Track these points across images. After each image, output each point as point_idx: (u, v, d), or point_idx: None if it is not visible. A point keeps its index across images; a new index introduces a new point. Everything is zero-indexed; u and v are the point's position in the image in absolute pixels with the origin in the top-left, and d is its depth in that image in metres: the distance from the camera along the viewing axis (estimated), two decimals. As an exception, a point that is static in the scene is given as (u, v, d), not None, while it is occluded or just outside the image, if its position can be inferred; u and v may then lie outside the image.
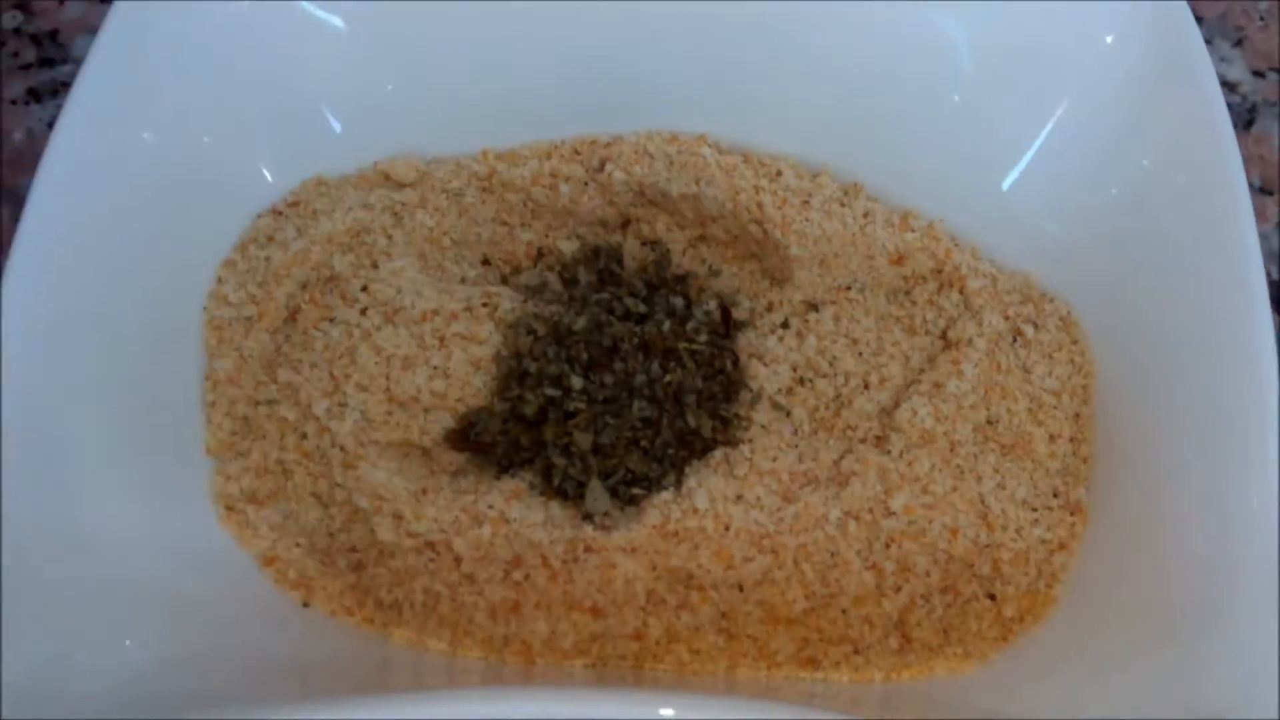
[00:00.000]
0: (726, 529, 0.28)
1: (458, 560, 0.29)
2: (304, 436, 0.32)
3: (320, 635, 0.28)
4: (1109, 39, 0.33)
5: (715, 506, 0.29)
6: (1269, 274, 0.40)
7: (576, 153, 0.37)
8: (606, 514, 0.30)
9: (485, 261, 0.36)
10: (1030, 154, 0.35)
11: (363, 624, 0.29)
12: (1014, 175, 0.36)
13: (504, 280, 0.36)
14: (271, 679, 0.25)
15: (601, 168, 0.36)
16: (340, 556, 0.30)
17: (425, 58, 0.36)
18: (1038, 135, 0.35)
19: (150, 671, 0.24)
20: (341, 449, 0.31)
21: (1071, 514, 0.31)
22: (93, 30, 0.32)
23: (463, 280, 0.35)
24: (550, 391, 0.31)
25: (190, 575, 0.28)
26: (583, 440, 0.31)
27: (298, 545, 0.30)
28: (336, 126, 0.36)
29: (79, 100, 0.30)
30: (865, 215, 0.36)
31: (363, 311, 0.33)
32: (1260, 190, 0.42)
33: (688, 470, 0.30)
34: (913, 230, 0.36)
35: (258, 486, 0.31)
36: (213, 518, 0.31)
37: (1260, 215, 0.41)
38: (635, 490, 0.30)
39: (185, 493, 0.31)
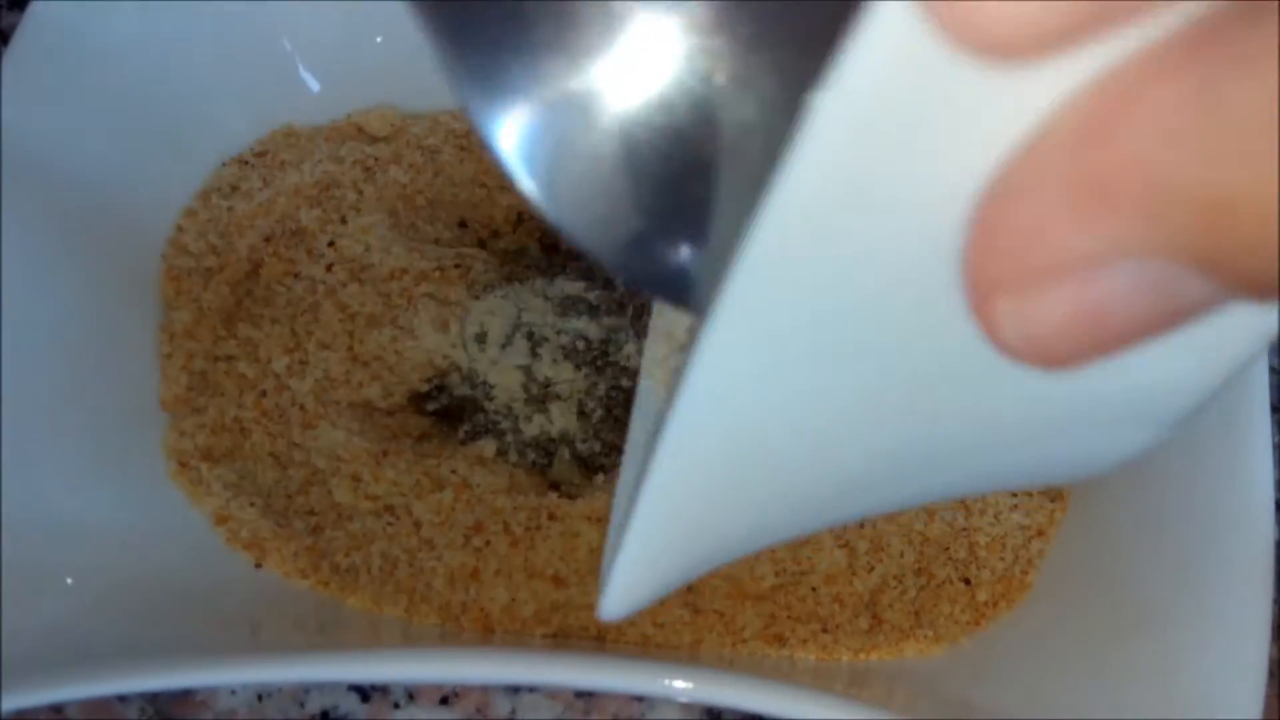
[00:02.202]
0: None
1: (417, 525, 0.30)
2: (263, 394, 0.32)
3: (273, 594, 0.29)
4: None
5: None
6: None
7: (559, 111, 0.37)
8: (574, 483, 0.30)
9: (462, 224, 0.37)
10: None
11: (317, 587, 0.30)
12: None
13: (481, 244, 0.37)
14: (219, 630, 0.26)
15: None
16: (297, 519, 0.31)
17: (405, 9, 0.37)
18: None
19: (90, 611, 0.25)
20: (301, 408, 0.32)
21: (1052, 501, 0.32)
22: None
23: (436, 241, 0.36)
24: (521, 361, 0.32)
25: (138, 527, 0.29)
26: (556, 412, 0.31)
27: (252, 505, 0.31)
28: (312, 81, 0.37)
29: (30, 30, 0.31)
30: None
31: (328, 267, 0.33)
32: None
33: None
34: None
35: (213, 444, 0.32)
36: (164, 473, 0.31)
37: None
38: (605, 460, 0.31)
39: (136, 445, 0.31)
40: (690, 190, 0.13)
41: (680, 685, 0.22)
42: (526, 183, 0.13)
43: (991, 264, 0.10)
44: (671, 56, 0.12)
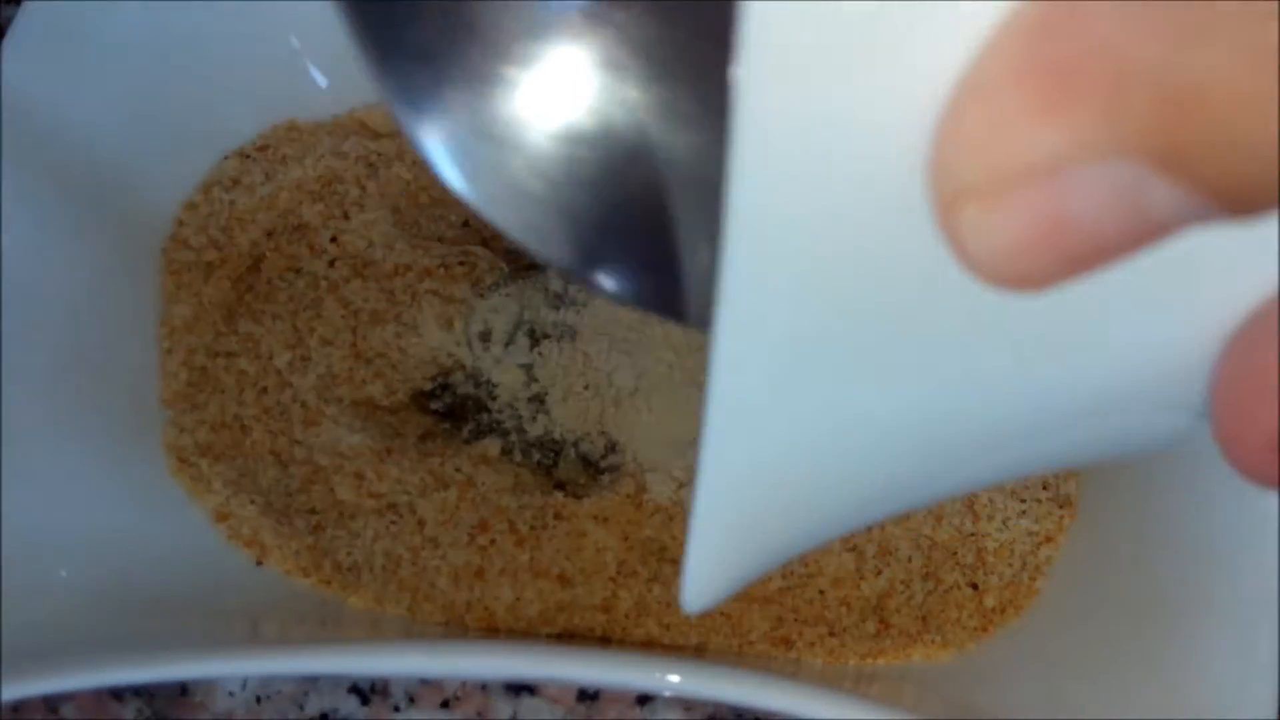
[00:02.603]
0: (704, 501, 0.29)
1: (421, 523, 0.29)
2: (264, 391, 0.32)
3: (273, 592, 0.29)
4: None
5: (693, 478, 0.30)
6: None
7: (566, 111, 0.37)
8: (579, 483, 0.30)
9: (465, 223, 0.37)
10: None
11: (319, 586, 0.30)
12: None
13: (484, 243, 0.37)
14: (218, 624, 0.26)
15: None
16: (298, 517, 0.31)
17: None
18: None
19: (88, 606, 0.25)
20: (303, 405, 0.32)
21: (1060, 507, 0.32)
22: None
23: (440, 239, 0.36)
24: (524, 360, 0.32)
25: (137, 523, 0.29)
26: (560, 411, 0.32)
27: (252, 502, 0.31)
28: (319, 77, 0.37)
29: (29, 21, 0.31)
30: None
31: (330, 263, 0.33)
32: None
33: (666, 441, 0.31)
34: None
35: (213, 440, 0.32)
36: (163, 469, 0.31)
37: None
38: (610, 459, 0.31)
39: (136, 441, 0.31)
40: (617, 187, 0.14)
41: (678, 680, 0.22)
42: (455, 180, 0.14)
43: (953, 170, 0.10)
44: (598, 62, 0.13)
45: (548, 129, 0.13)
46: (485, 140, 0.13)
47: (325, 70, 0.37)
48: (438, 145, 0.13)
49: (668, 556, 0.29)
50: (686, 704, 0.34)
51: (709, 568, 0.14)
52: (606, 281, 0.14)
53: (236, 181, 0.35)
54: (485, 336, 0.33)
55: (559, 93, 0.13)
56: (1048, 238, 0.09)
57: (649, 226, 0.13)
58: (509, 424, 0.32)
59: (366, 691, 0.34)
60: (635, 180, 0.13)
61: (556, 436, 0.31)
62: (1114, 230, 0.09)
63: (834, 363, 0.12)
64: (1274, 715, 0.25)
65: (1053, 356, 0.12)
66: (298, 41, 0.37)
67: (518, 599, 0.28)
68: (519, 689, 0.34)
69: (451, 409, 0.32)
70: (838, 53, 0.09)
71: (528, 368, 0.32)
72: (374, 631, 0.28)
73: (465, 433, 0.32)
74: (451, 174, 0.13)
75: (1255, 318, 0.11)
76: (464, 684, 0.34)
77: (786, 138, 0.10)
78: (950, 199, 0.10)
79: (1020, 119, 0.09)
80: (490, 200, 0.14)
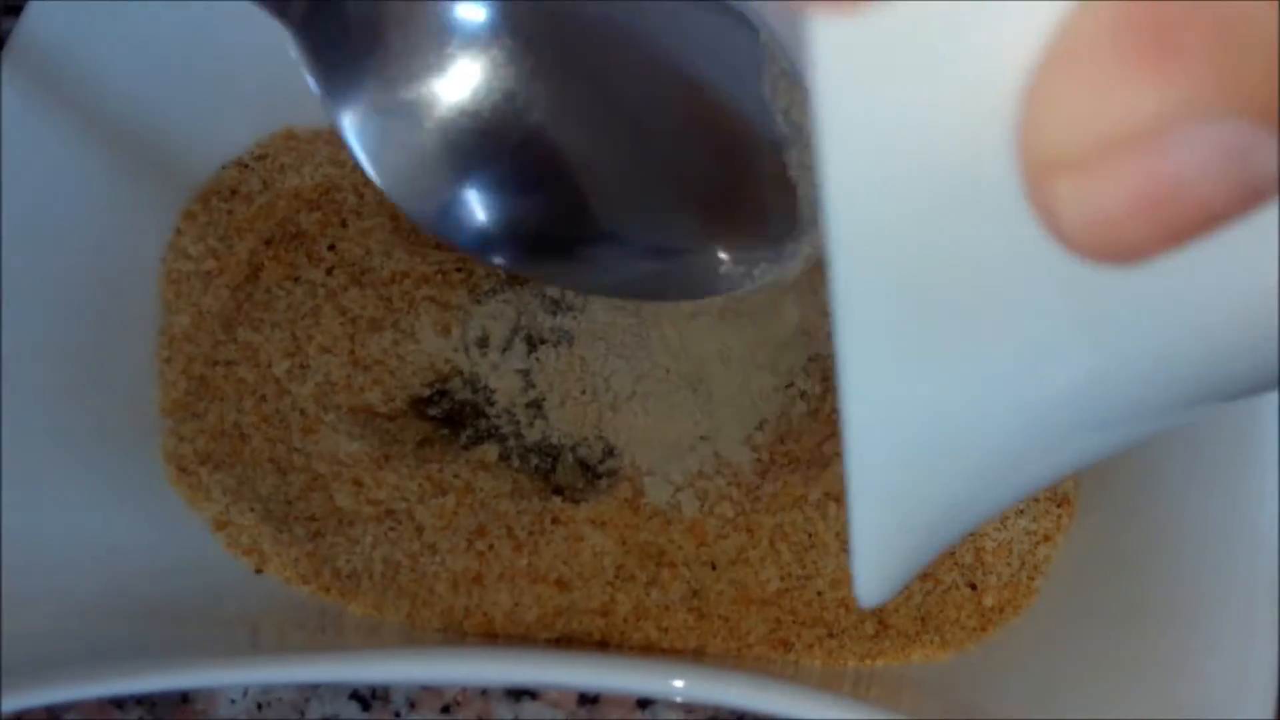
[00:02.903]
0: (701, 505, 0.30)
1: (419, 529, 0.30)
2: (263, 399, 0.32)
3: (273, 600, 0.29)
4: None
5: (691, 481, 0.30)
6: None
7: (561, 116, 0.38)
8: (577, 487, 0.31)
9: (461, 230, 0.37)
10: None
11: (318, 593, 0.30)
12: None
13: (481, 250, 0.37)
14: (218, 633, 0.26)
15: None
16: (298, 525, 0.31)
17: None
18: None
19: (87, 615, 0.25)
20: (301, 412, 0.32)
21: (1059, 506, 0.32)
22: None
23: (437, 246, 0.36)
24: (521, 365, 0.32)
25: (136, 532, 0.29)
26: (557, 416, 0.32)
27: (252, 510, 0.31)
28: (314, 85, 0.37)
29: (27, 32, 0.31)
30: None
31: (329, 271, 0.34)
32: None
33: (663, 445, 0.32)
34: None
35: (213, 449, 0.32)
36: (162, 478, 0.31)
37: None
38: (608, 463, 0.31)
39: (135, 450, 0.31)
40: (515, 170, 0.15)
41: (681, 684, 0.23)
42: (371, 169, 0.15)
43: (1045, 141, 0.09)
44: (489, 65, 0.14)
45: (452, 117, 0.14)
46: (397, 123, 0.14)
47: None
48: (353, 127, 0.14)
49: (665, 560, 0.29)
50: (687, 707, 0.34)
51: (875, 557, 0.14)
52: (504, 256, 0.15)
53: (234, 190, 0.35)
54: (483, 342, 0.33)
55: (466, 84, 0.14)
56: (1152, 205, 0.09)
57: (543, 204, 0.14)
58: (507, 429, 0.32)
59: (367, 697, 0.34)
60: (530, 163, 0.14)
61: (554, 441, 0.32)
62: (1224, 192, 0.09)
63: (947, 346, 0.12)
64: (1272, 716, 0.25)
65: (1144, 330, 0.12)
66: (294, 50, 0.37)
67: (516, 604, 0.29)
68: (519, 693, 0.34)
69: (449, 415, 0.32)
70: (909, 33, 0.09)
71: (525, 373, 0.32)
72: (373, 638, 0.28)
73: (463, 439, 0.32)
74: (361, 154, 0.15)
75: None
76: (464, 689, 0.35)
77: (871, 139, 0.10)
78: (1043, 172, 0.09)
79: (1118, 80, 0.08)
80: (395, 180, 0.15)
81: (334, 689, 0.35)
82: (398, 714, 0.34)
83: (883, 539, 0.14)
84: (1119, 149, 0.09)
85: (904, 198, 0.10)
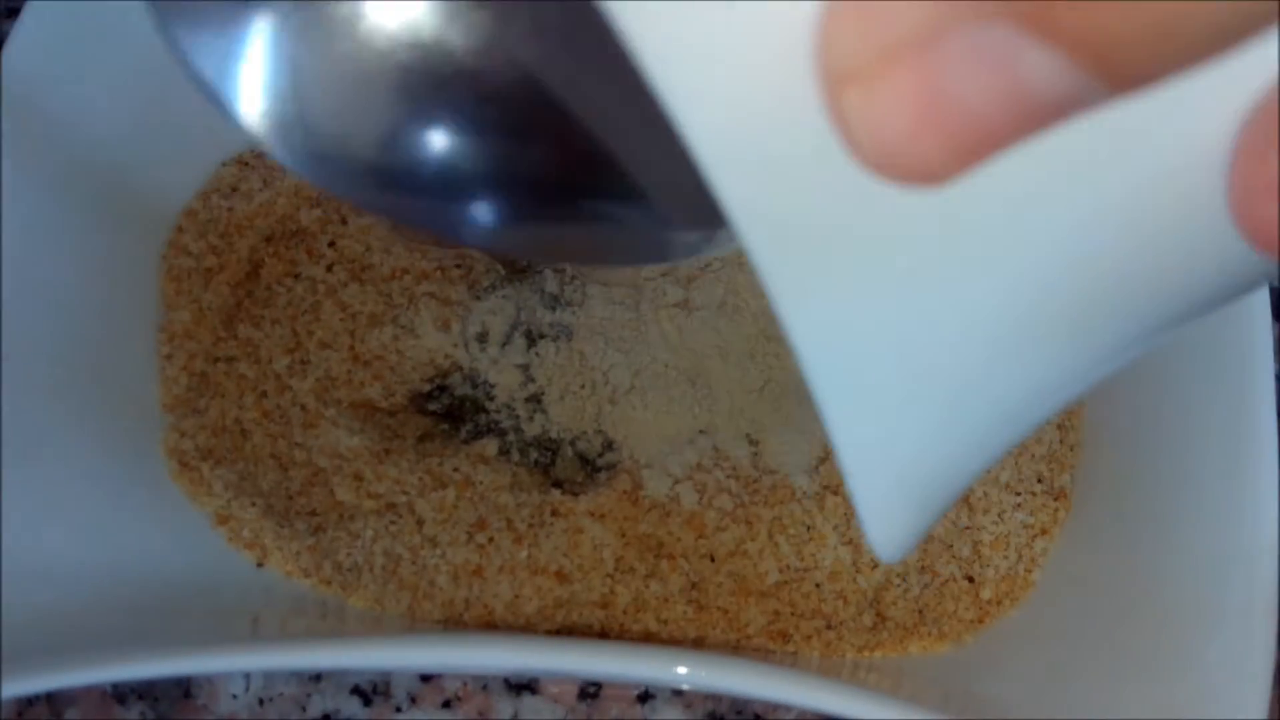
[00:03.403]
0: (699, 497, 0.30)
1: (420, 523, 0.30)
2: (264, 395, 0.33)
3: (275, 593, 0.29)
4: None
5: (689, 474, 0.30)
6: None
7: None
8: (577, 481, 0.31)
9: (461, 227, 0.38)
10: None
11: (319, 586, 0.30)
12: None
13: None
14: (220, 623, 0.26)
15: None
16: (299, 519, 0.31)
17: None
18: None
19: (89, 607, 0.25)
20: (302, 408, 0.32)
21: (1055, 500, 0.32)
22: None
23: (438, 243, 0.36)
24: (521, 360, 0.33)
25: (138, 527, 0.29)
26: (557, 410, 0.32)
27: (253, 505, 0.32)
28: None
29: (29, 28, 0.31)
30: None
31: (329, 268, 0.34)
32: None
33: (662, 438, 0.32)
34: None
35: (214, 445, 0.32)
36: (164, 474, 0.32)
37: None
38: (607, 457, 0.31)
39: (137, 446, 0.32)
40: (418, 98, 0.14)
41: (684, 671, 0.23)
42: (233, 108, 0.14)
43: (836, 50, 0.09)
44: None
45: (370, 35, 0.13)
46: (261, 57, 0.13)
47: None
48: (217, 72, 0.14)
49: (665, 552, 0.30)
50: (687, 701, 0.34)
51: (879, 510, 0.14)
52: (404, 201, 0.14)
53: (235, 188, 0.36)
54: (482, 338, 0.33)
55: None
56: (930, 119, 0.09)
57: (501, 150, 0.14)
58: (506, 424, 0.32)
59: (368, 692, 0.35)
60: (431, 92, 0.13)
61: (554, 435, 0.32)
62: (995, 108, 0.09)
63: (848, 283, 0.12)
64: (1268, 706, 0.25)
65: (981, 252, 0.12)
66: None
67: (516, 596, 0.29)
68: (520, 688, 0.35)
69: (449, 410, 0.33)
70: None
71: (524, 368, 0.33)
72: (374, 631, 0.29)
73: (463, 434, 0.32)
74: (226, 100, 0.14)
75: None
76: (465, 684, 0.35)
77: (708, 85, 0.09)
78: (835, 86, 0.09)
79: None
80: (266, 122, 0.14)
81: (335, 685, 0.35)
82: (399, 709, 0.35)
83: (882, 491, 0.14)
84: (895, 58, 0.08)
85: (752, 136, 0.10)
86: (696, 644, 0.29)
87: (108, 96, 0.33)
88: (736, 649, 0.29)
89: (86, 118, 0.33)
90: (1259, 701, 0.25)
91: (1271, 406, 0.29)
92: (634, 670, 0.24)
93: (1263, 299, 0.30)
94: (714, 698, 0.35)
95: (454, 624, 0.29)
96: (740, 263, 0.34)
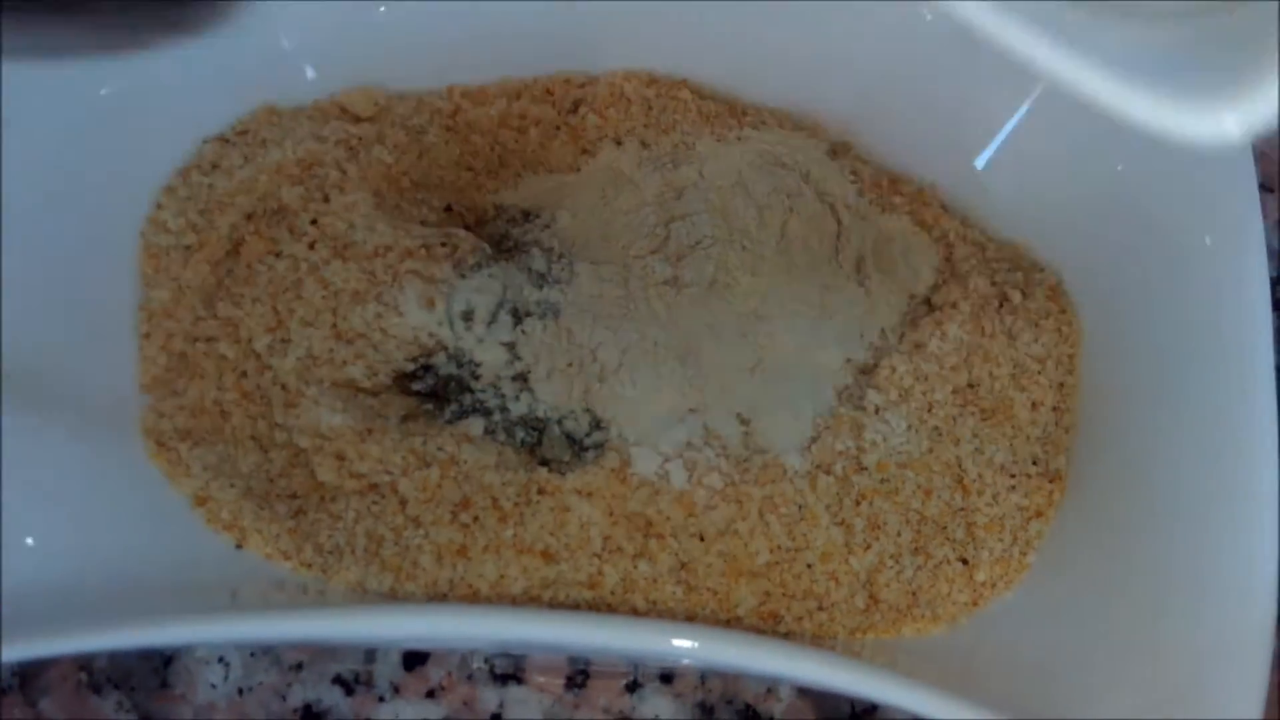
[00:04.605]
0: (689, 476, 0.30)
1: (403, 503, 0.30)
2: (244, 375, 0.33)
3: (254, 574, 0.29)
4: None
5: (679, 453, 0.30)
6: (1270, 271, 0.42)
7: (549, 93, 0.38)
8: (564, 460, 0.31)
9: (448, 208, 0.38)
10: (1008, 129, 0.37)
11: (300, 569, 0.30)
12: (991, 151, 0.37)
13: (468, 228, 0.37)
14: (197, 596, 0.26)
15: (575, 110, 0.38)
16: (280, 502, 0.31)
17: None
18: (1017, 110, 0.37)
19: (66, 583, 0.25)
20: (283, 387, 0.32)
21: (1050, 481, 0.32)
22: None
23: (422, 223, 0.36)
24: (507, 338, 0.33)
25: (113, 507, 0.29)
26: (543, 389, 0.32)
27: (232, 486, 0.31)
28: (302, 65, 0.38)
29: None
30: (853, 174, 0.37)
31: (311, 245, 0.34)
32: (1261, 187, 0.44)
33: (651, 417, 0.32)
34: (901, 194, 0.37)
35: (193, 425, 0.32)
36: (142, 454, 0.31)
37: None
38: (595, 436, 0.31)
39: (114, 426, 0.31)
40: None
41: (685, 645, 0.23)
42: None
43: None
44: None
45: None
46: None
47: (307, 57, 0.38)
48: None
49: (653, 531, 0.29)
50: (676, 691, 0.34)
51: None
52: None
53: (215, 165, 0.35)
54: (468, 316, 0.33)
55: None
56: None
57: None
58: (492, 403, 0.32)
59: (350, 682, 0.34)
60: None
61: (540, 414, 0.32)
62: None
63: None
64: (1265, 681, 0.25)
65: None
66: (283, 34, 0.37)
67: (501, 576, 0.29)
68: (505, 678, 0.34)
69: (434, 390, 0.33)
70: None
71: (510, 346, 0.33)
72: (359, 600, 0.28)
73: (448, 413, 0.32)
74: None
75: None
76: (449, 673, 0.35)
77: None
78: None
79: None
80: None
81: (317, 673, 0.35)
82: (381, 698, 0.34)
83: None
84: None
85: None
86: (686, 625, 0.29)
87: (83, 81, 0.33)
88: (727, 629, 0.29)
89: (65, 94, 0.32)
90: (1255, 681, 0.25)
91: (1271, 390, 0.28)
92: (632, 643, 0.24)
93: (1262, 286, 0.30)
94: (703, 687, 0.34)
95: (438, 603, 0.29)
96: (730, 240, 0.34)
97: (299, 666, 0.34)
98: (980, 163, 0.37)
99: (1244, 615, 0.26)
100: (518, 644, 0.29)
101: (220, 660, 0.34)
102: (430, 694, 0.34)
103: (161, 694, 0.34)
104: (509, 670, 0.34)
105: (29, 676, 0.34)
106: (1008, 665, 0.28)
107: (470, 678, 0.34)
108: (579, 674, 0.34)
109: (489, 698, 0.34)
